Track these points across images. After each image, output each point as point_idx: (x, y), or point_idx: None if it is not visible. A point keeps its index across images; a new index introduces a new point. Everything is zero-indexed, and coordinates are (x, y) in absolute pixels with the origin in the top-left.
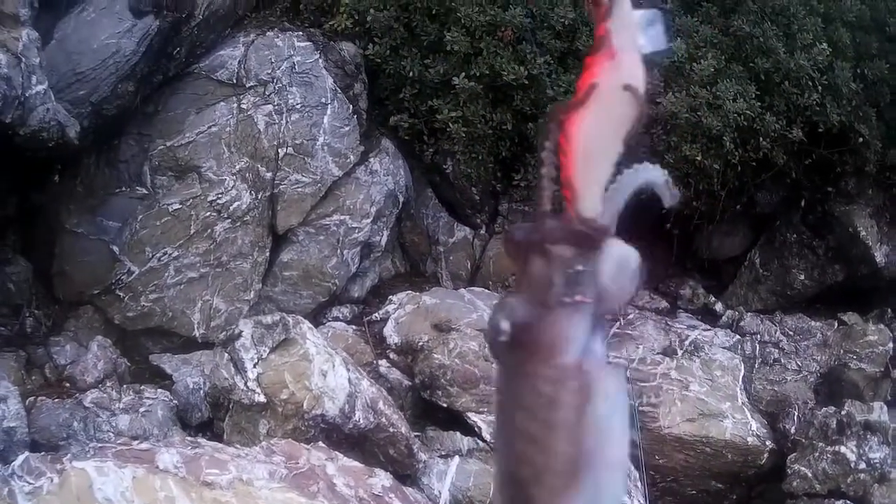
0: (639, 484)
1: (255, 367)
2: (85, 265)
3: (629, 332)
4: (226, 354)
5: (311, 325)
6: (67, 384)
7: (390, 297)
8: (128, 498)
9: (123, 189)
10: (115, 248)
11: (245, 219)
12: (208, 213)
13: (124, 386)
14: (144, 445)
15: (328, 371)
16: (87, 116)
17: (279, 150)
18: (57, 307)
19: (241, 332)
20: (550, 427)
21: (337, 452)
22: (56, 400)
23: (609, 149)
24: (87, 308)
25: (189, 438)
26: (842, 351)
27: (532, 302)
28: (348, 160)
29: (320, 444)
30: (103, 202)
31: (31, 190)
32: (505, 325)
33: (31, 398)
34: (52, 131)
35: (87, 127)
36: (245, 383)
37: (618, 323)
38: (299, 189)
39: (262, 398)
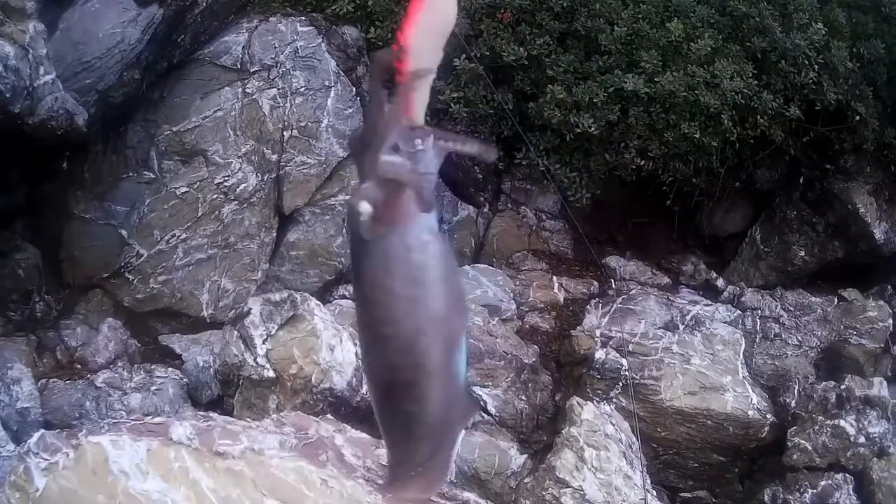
0: (640, 455)
1: (264, 343)
2: (94, 250)
3: (631, 306)
4: (235, 332)
5: (318, 302)
6: (79, 366)
7: None
8: (143, 469)
9: (131, 174)
10: (124, 233)
11: (251, 200)
12: (215, 196)
13: (135, 366)
14: (158, 419)
15: (336, 346)
16: (94, 104)
17: (284, 133)
18: (67, 291)
19: (251, 309)
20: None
21: (345, 425)
22: (68, 381)
23: (433, 56)
24: (96, 291)
25: (200, 413)
26: (842, 327)
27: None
28: None
29: (329, 416)
30: (111, 188)
31: (39, 178)
32: (365, 206)
33: (44, 380)
34: (61, 120)
35: (94, 115)
36: (255, 359)
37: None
38: (304, 170)
39: (271, 373)
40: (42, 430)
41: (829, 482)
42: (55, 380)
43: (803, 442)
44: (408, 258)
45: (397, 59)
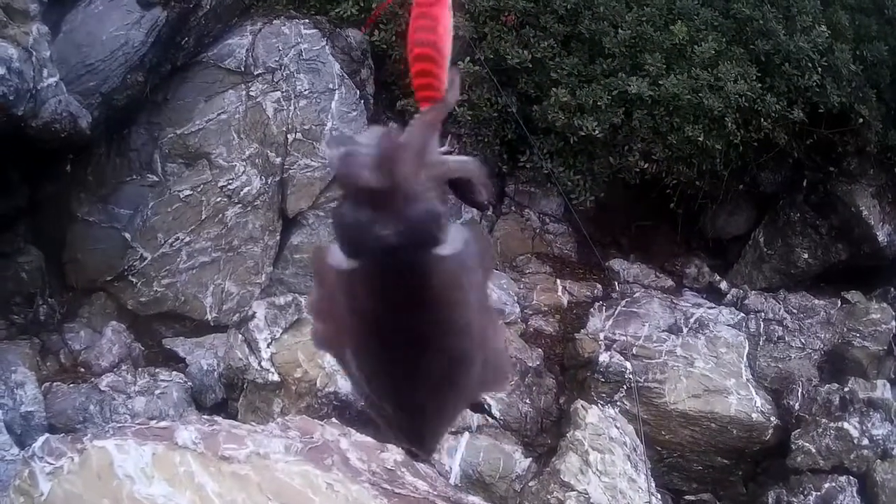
0: (645, 458)
1: (268, 347)
2: (97, 253)
3: (635, 309)
4: (240, 335)
5: None
6: (82, 369)
7: None
8: (148, 474)
9: (134, 177)
10: (128, 235)
11: (255, 203)
12: (219, 199)
13: (139, 369)
14: (163, 424)
15: None
16: (97, 107)
17: (288, 136)
18: (70, 294)
19: (255, 313)
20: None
21: (349, 428)
22: (71, 385)
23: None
24: (99, 294)
25: (206, 417)
26: (845, 329)
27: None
28: None
29: (333, 420)
30: (114, 190)
31: (41, 180)
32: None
33: (47, 384)
34: (65, 123)
35: (97, 117)
36: (259, 363)
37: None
38: (308, 173)
39: (275, 377)
40: (47, 435)
41: (833, 484)
42: (59, 383)
43: (807, 444)
44: (472, 251)
45: (435, 63)
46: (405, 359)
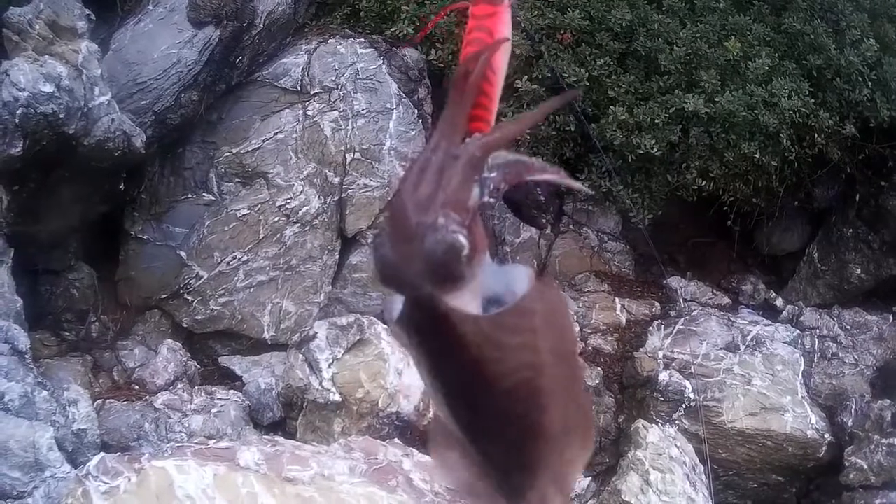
0: (703, 478)
1: (329, 367)
2: (151, 270)
3: (693, 328)
4: (300, 355)
5: (385, 326)
6: (136, 387)
7: None
8: (209, 495)
9: (189, 196)
10: (183, 254)
11: (314, 223)
12: (277, 218)
13: (195, 388)
14: (224, 444)
15: (403, 370)
16: (150, 126)
17: (346, 156)
18: (123, 312)
19: (316, 333)
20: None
21: (412, 449)
22: (125, 402)
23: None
24: (153, 312)
25: (266, 437)
26: None
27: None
28: None
29: (396, 440)
30: (169, 209)
31: (93, 198)
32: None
33: (100, 401)
34: (118, 141)
35: (151, 136)
36: (320, 383)
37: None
38: (367, 193)
39: (337, 397)
40: (102, 454)
41: (884, 500)
42: (112, 401)
43: (859, 461)
44: (525, 308)
45: (487, 80)
46: (456, 406)
